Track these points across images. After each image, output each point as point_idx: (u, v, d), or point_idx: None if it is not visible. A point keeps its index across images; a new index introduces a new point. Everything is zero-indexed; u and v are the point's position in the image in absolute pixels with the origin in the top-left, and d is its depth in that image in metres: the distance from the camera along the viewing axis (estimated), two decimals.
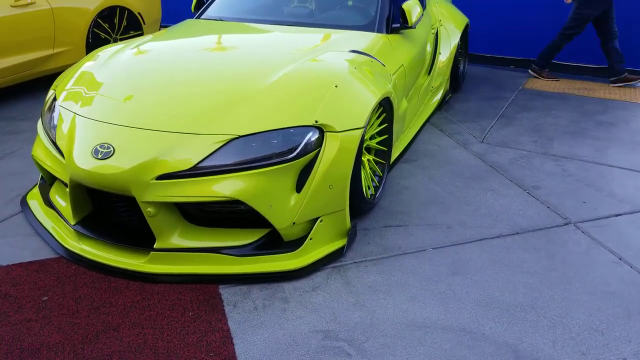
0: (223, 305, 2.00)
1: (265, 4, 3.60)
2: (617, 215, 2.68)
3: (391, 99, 2.71)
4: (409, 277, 2.19)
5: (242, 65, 2.61)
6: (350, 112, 2.31)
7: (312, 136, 2.19)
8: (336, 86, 2.37)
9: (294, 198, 2.19)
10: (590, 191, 2.94)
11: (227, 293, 2.06)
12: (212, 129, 2.15)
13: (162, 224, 2.17)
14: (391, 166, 3.16)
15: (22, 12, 4.41)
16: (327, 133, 2.22)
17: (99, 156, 2.12)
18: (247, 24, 3.31)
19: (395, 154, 3.20)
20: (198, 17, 3.58)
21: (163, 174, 2.06)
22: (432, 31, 4.03)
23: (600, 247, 2.41)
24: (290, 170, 2.16)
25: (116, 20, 5.27)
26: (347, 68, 2.53)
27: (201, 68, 2.60)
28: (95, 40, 5.08)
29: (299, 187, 2.20)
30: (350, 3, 3.50)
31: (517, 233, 2.53)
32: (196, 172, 2.07)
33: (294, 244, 2.27)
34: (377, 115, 2.69)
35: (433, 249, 2.40)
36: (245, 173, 2.08)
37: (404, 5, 3.23)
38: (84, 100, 2.38)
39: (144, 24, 5.58)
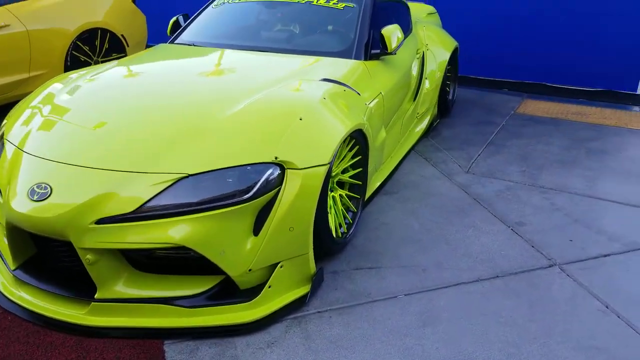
0: None
1: (242, 29, 3.50)
2: (605, 256, 2.51)
3: (364, 130, 2.57)
4: (375, 329, 2.02)
5: (203, 95, 2.48)
6: (314, 147, 2.17)
7: (272, 174, 2.04)
8: (301, 119, 2.23)
9: (250, 242, 2.03)
10: (578, 228, 2.78)
11: (172, 350, 1.90)
12: (159, 167, 2.00)
13: (104, 272, 2.01)
14: (369, 199, 3.02)
15: None
16: (288, 170, 2.08)
17: (35, 197, 1.97)
18: (220, 49, 3.20)
19: (373, 187, 3.06)
20: (172, 42, 3.48)
21: (103, 218, 1.91)
22: (418, 56, 3.92)
23: (586, 292, 2.24)
24: (246, 212, 2.01)
25: (97, 43, 5.20)
26: (316, 98, 2.40)
27: (159, 98, 2.47)
28: (74, 63, 4.98)
29: (256, 229, 2.05)
30: (330, 28, 3.39)
31: (497, 276, 2.36)
32: (139, 215, 1.91)
33: (251, 293, 2.11)
34: (348, 148, 2.56)
35: (405, 295, 2.23)
36: (195, 216, 1.93)
37: (384, 31, 3.12)
38: (28, 134, 2.25)
39: (128, 46, 5.49)
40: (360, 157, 2.67)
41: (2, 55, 4.36)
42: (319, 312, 2.13)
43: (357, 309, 2.14)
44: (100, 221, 1.90)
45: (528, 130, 4.32)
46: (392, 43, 3.13)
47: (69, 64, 4.93)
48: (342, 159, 2.57)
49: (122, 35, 5.40)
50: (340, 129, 2.32)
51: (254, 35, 3.39)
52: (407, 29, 4.03)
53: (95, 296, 2.03)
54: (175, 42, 3.46)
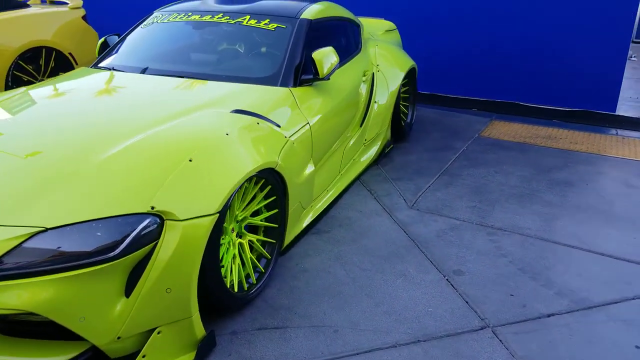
0: None
1: (165, 52, 3.22)
2: (548, 316, 2.24)
3: (277, 169, 2.32)
4: None
5: (86, 132, 2.20)
6: (201, 194, 1.90)
7: (147, 226, 1.78)
8: (190, 160, 1.97)
9: (121, 304, 1.76)
10: (523, 279, 2.51)
11: None
12: (15, 219, 1.73)
13: None
14: (294, 241, 2.75)
15: None
16: (167, 222, 1.82)
17: None
18: (134, 75, 2.92)
19: (299, 227, 2.79)
20: (94, 65, 3.22)
21: None
22: (365, 77, 3.68)
23: None
24: (114, 271, 1.73)
25: (42, 62, 4.93)
26: (215, 135, 2.15)
27: (34, 135, 2.19)
28: (17, 84, 4.73)
29: (128, 290, 1.79)
30: (258, 51, 3.14)
31: (418, 341, 2.09)
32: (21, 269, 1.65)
33: None
34: (257, 188, 2.30)
35: None
36: (48, 278, 1.66)
37: (314, 55, 2.88)
38: None
39: (77, 64, 5.23)
40: (274, 197, 2.41)
41: None
42: None
43: None
44: None
45: (489, 157, 4.08)
46: (324, 68, 2.89)
47: (10, 84, 4.68)
48: (250, 200, 2.31)
49: (70, 54, 5.14)
50: (241, 170, 2.06)
51: (176, 59, 3.12)
52: (354, 48, 3.80)
53: None
54: (98, 65, 3.20)
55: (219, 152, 2.07)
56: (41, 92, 2.73)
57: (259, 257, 2.42)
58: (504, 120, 5.10)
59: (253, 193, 2.28)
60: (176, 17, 3.33)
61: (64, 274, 1.67)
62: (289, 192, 2.50)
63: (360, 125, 3.64)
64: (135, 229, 1.76)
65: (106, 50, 3.40)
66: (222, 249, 2.14)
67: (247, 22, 3.19)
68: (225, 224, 2.14)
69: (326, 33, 3.55)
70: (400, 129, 4.28)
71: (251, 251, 2.38)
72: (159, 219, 1.81)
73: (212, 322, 2.15)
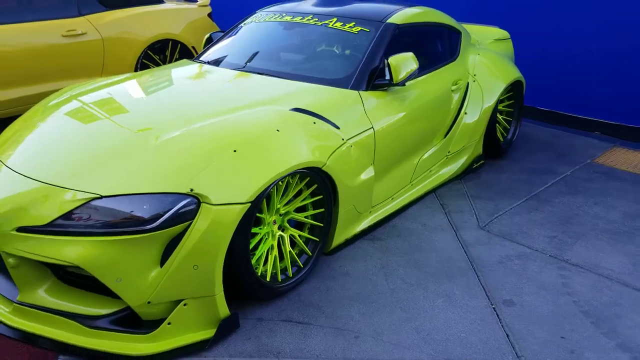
0: None
1: (253, 51, 3.38)
2: None
3: (324, 168, 2.38)
4: None
5: (158, 116, 2.46)
6: (237, 183, 2.04)
7: (185, 206, 1.97)
8: (235, 150, 2.12)
9: (154, 272, 1.97)
10: (583, 322, 2.25)
11: None
12: (78, 184, 2.04)
13: (26, 277, 2.10)
14: (345, 243, 2.78)
15: (73, 42, 4.87)
16: (203, 204, 1.99)
17: None
18: (218, 69, 3.17)
19: (350, 231, 2.80)
20: (195, 59, 3.57)
21: (22, 227, 2.00)
22: (457, 87, 3.55)
23: None
24: (151, 242, 1.95)
25: (168, 53, 5.59)
26: (265, 129, 2.28)
27: (118, 116, 2.50)
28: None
29: (163, 261, 1.99)
30: (338, 53, 3.22)
31: None
32: (50, 229, 1.95)
33: (153, 325, 2.05)
34: (302, 185, 2.38)
35: None
36: (96, 239, 1.92)
37: (391, 59, 2.87)
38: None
39: None
40: (321, 196, 2.48)
41: (78, 60, 4.88)
42: (215, 359, 1.99)
43: None
44: (20, 229, 1.99)
45: (594, 186, 3.66)
46: (400, 73, 2.87)
47: (138, 70, 5.37)
48: (295, 196, 2.40)
49: (193, 47, 5.74)
50: (280, 166, 2.16)
51: (262, 57, 3.30)
52: (448, 56, 3.69)
53: (17, 298, 2.13)
54: (198, 58, 3.54)
55: (263, 146, 2.20)
56: (144, 78, 3.11)
57: (301, 252, 2.51)
58: (630, 147, 4.53)
59: (297, 189, 2.38)
60: (272, 17, 3.55)
61: (109, 237, 1.92)
62: (339, 193, 2.55)
63: (445, 136, 3.53)
64: (174, 207, 1.95)
65: (209, 45, 3.74)
66: (257, 239, 2.26)
67: (332, 25, 3.28)
68: (263, 215, 2.26)
69: (415, 38, 3.51)
70: (495, 145, 4.04)
71: (293, 246, 2.48)
72: (197, 201, 1.98)
73: (242, 306, 2.28)
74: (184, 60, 3.54)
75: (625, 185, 3.69)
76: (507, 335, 2.16)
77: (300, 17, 3.40)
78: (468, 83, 3.74)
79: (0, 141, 2.51)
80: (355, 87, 2.87)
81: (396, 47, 3.19)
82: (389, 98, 2.98)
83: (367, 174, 2.77)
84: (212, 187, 2.01)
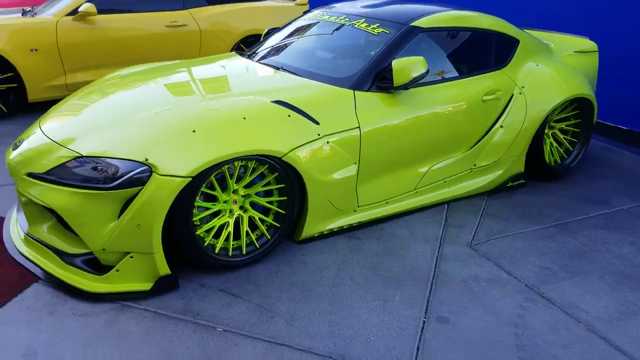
0: (18, 294, 2.39)
1: (286, 47, 3.61)
2: None
3: (284, 159, 2.56)
4: (162, 343, 2.12)
5: (163, 97, 2.89)
6: (183, 158, 2.35)
7: (139, 173, 2.34)
8: (194, 131, 2.44)
9: (111, 224, 2.38)
10: (510, 357, 2.10)
11: (33, 288, 2.44)
12: (72, 144, 2.53)
13: (34, 214, 2.68)
14: (324, 236, 2.92)
15: (174, 31, 5.65)
16: (153, 174, 2.34)
17: (12, 147, 2.77)
18: (248, 62, 3.47)
19: (323, 226, 2.92)
20: (245, 52, 3.95)
21: (30, 172, 2.56)
22: (491, 97, 3.40)
23: None
24: (110, 199, 2.36)
25: None
26: (230, 115, 2.56)
27: (143, 95, 2.96)
28: None
29: (120, 216, 2.40)
30: (353, 53, 3.32)
31: (329, 357, 2.07)
32: (44, 177, 2.48)
33: (107, 270, 2.47)
34: (261, 171, 2.60)
35: (224, 330, 2.21)
36: (70, 189, 2.39)
37: (394, 62, 2.93)
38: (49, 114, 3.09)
39: None
40: (284, 185, 2.66)
41: (177, 48, 5.66)
42: (147, 309, 2.33)
43: (166, 321, 2.25)
44: (29, 174, 2.56)
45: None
46: (402, 77, 2.91)
47: None
48: (252, 181, 2.64)
49: None
50: (227, 149, 2.40)
51: (287, 53, 3.51)
52: (491, 64, 3.54)
53: (27, 230, 2.73)
54: (244, 52, 3.91)
55: (222, 130, 2.47)
56: (185, 66, 3.58)
57: (262, 235, 2.72)
58: None
59: (256, 174, 2.60)
60: (316, 16, 3.77)
61: (79, 189, 2.36)
62: (306, 186, 2.71)
63: (470, 148, 3.41)
64: (130, 172, 2.34)
65: (261, 40, 4.09)
66: (207, 213, 2.53)
67: (358, 25, 3.41)
68: (216, 193, 2.53)
69: (448, 43, 3.45)
70: (544, 166, 3.75)
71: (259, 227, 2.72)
72: (150, 170, 2.34)
73: (195, 273, 2.59)
74: (232, 52, 3.95)
75: None
76: (417, 349, 2.14)
77: (336, 17, 3.59)
78: (513, 95, 3.55)
79: (50, 110, 3.16)
80: (356, 87, 2.98)
81: (420, 50, 3.22)
82: (393, 101, 3.03)
83: (347, 172, 2.87)
84: (163, 159, 2.35)
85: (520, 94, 3.57)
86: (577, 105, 3.87)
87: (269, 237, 2.74)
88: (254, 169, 2.60)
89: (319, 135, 2.74)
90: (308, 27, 3.75)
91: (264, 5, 6.22)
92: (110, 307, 2.34)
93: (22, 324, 2.21)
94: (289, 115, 2.70)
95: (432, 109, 3.17)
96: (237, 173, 2.56)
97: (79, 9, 5.10)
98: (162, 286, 2.45)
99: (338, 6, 3.90)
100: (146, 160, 2.35)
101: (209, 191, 2.52)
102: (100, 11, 5.27)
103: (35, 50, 4.98)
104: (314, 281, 2.57)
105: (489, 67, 3.55)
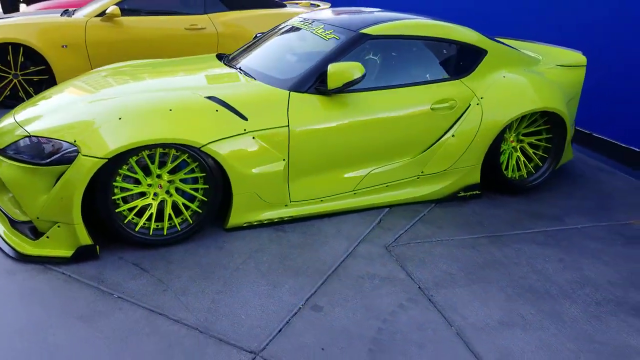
0: None
1: (254, 51, 3.82)
2: None
3: (203, 149, 2.81)
4: (61, 302, 2.44)
5: (116, 88, 3.26)
6: (103, 142, 2.67)
7: (68, 152, 2.69)
8: (120, 118, 2.76)
9: (44, 196, 2.74)
10: (360, 348, 2.19)
11: None
12: (27, 125, 2.92)
13: (1, 184, 3.13)
14: (254, 226, 3.13)
15: (193, 33, 6.11)
16: (78, 154, 2.68)
17: None
18: (216, 63, 3.79)
19: (253, 216, 3.12)
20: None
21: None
22: (442, 106, 3.45)
23: None
24: (44, 173, 2.72)
25: None
26: (157, 106, 2.87)
27: (99, 87, 3.35)
28: None
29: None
30: (303, 57, 3.49)
31: (196, 329, 2.28)
32: (4, 153, 2.91)
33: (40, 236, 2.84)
34: (183, 157, 2.85)
35: (118, 296, 2.49)
36: (15, 163, 2.78)
37: (329, 67, 3.11)
38: None
39: None
40: (204, 174, 2.91)
41: (195, 49, 6.10)
42: (63, 273, 2.66)
43: (76, 284, 2.57)
44: None
45: (589, 246, 3.11)
46: (335, 81, 3.08)
47: None
48: (179, 168, 2.91)
49: None
50: (144, 136, 2.69)
51: (254, 56, 3.73)
52: (451, 73, 3.58)
53: None
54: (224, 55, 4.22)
55: (143, 119, 2.77)
56: (161, 63, 3.94)
57: (191, 216, 2.99)
58: None
59: (176, 162, 2.87)
60: (293, 21, 3.99)
61: (23, 164, 2.75)
62: (229, 176, 2.94)
63: (416, 156, 3.48)
64: (61, 152, 2.70)
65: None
66: (128, 193, 2.82)
67: (315, 31, 3.60)
68: (137, 176, 2.83)
69: (398, 51, 3.56)
70: (504, 180, 3.72)
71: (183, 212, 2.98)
72: (77, 150, 2.68)
73: (119, 247, 2.89)
74: (212, 54, 4.27)
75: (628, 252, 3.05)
76: (279, 331, 2.30)
77: (304, 23, 3.80)
78: (470, 105, 3.57)
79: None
80: (294, 88, 3.17)
81: (367, 57, 3.36)
82: (330, 104, 3.19)
83: (274, 167, 3.07)
84: (88, 141, 2.68)
85: (477, 104, 3.58)
86: (547, 119, 3.80)
87: (190, 222, 2.99)
88: (175, 157, 2.88)
89: (244, 130, 2.97)
90: (279, 32, 3.99)
91: (281, 11, 6.54)
92: (33, 267, 2.70)
93: None
94: (217, 110, 2.95)
95: (372, 114, 3.29)
96: (157, 159, 2.85)
97: (107, 11, 5.69)
98: (82, 254, 2.78)
99: (320, 12, 4.09)
100: (74, 141, 2.69)
101: (130, 174, 2.83)
102: (126, 12, 5.83)
103: (65, 46, 5.60)
104: (221, 264, 2.79)
105: (444, 76, 3.59)
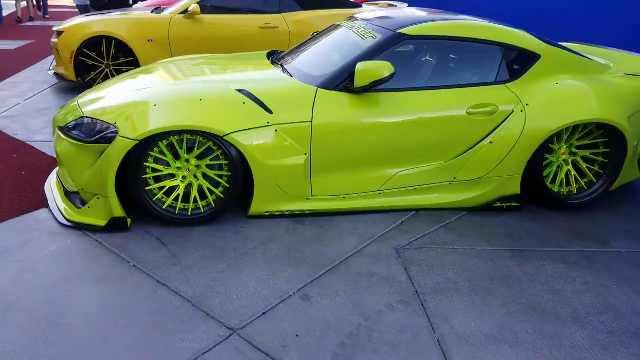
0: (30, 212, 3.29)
1: (303, 50, 4.00)
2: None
3: (226, 138, 3.00)
4: (85, 262, 2.76)
5: (163, 79, 3.58)
6: (137, 125, 2.96)
7: (110, 132, 3.03)
8: (155, 105, 3.04)
9: (89, 171, 3.11)
10: (329, 337, 2.24)
11: (43, 210, 3.32)
12: (85, 107, 3.32)
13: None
14: (276, 216, 3.28)
15: (267, 31, 6.41)
16: (117, 134, 3.00)
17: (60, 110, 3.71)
18: (262, 59, 4.01)
19: (274, 207, 3.28)
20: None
21: (59, 126, 3.43)
22: (480, 111, 3.35)
23: None
24: (91, 151, 3.09)
25: None
26: (190, 95, 3.12)
27: (151, 76, 3.69)
28: None
29: None
30: (347, 55, 3.55)
31: (190, 302, 2.47)
32: (62, 129, 3.33)
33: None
34: (207, 146, 3.07)
35: (134, 265, 2.76)
36: (71, 140, 3.18)
37: (359, 65, 3.18)
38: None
39: None
40: (227, 162, 3.10)
41: (267, 46, 6.41)
42: (95, 240, 3.00)
43: (102, 250, 2.88)
44: (59, 128, 3.43)
45: (625, 272, 2.86)
46: (359, 80, 3.13)
47: None
48: (204, 154, 3.13)
49: None
50: (172, 122, 2.95)
51: (295, 55, 3.90)
52: (497, 76, 3.47)
53: (57, 171, 3.65)
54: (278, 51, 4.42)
55: (175, 107, 3.03)
56: (213, 59, 4.23)
57: (215, 201, 3.20)
58: None
59: (203, 148, 3.08)
60: (344, 22, 4.10)
61: (75, 141, 3.13)
62: (251, 166, 3.11)
63: (453, 159, 3.41)
64: (104, 132, 3.04)
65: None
66: (157, 173, 3.09)
67: (357, 30, 3.65)
68: (167, 159, 3.08)
69: (438, 52, 3.50)
70: (548, 194, 3.51)
71: (207, 195, 3.21)
72: (117, 131, 3.01)
73: (151, 223, 3.18)
74: (264, 52, 4.47)
75: None
76: (263, 313, 2.41)
77: (351, 23, 3.89)
78: (513, 111, 3.42)
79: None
80: (324, 85, 3.27)
81: (405, 57, 3.36)
82: (359, 102, 3.24)
83: (295, 160, 3.19)
84: (125, 124, 3.00)
85: (521, 111, 3.42)
86: (605, 132, 3.53)
87: (214, 206, 3.21)
88: (201, 143, 3.10)
89: (268, 123, 3.12)
90: (329, 32, 4.10)
91: (354, 11, 6.63)
92: (74, 232, 3.07)
93: (12, 231, 3.06)
94: (244, 103, 3.14)
95: (402, 115, 3.28)
96: (185, 145, 3.09)
97: (189, 9, 6.17)
98: (114, 225, 3.10)
99: (370, 12, 4.15)
100: (115, 123, 3.02)
101: (161, 157, 3.10)
102: (206, 10, 6.28)
103: (151, 40, 6.17)
104: (232, 248, 2.97)
105: (487, 80, 3.47)
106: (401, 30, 3.42)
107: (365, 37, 3.52)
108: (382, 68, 3.12)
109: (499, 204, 3.55)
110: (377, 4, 7.54)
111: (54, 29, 6.31)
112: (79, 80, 6.19)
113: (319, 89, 3.26)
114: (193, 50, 6.20)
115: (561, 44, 4.51)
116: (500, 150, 3.41)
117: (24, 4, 13.58)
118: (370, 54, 3.34)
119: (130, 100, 3.17)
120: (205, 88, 3.24)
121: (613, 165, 3.60)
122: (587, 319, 2.48)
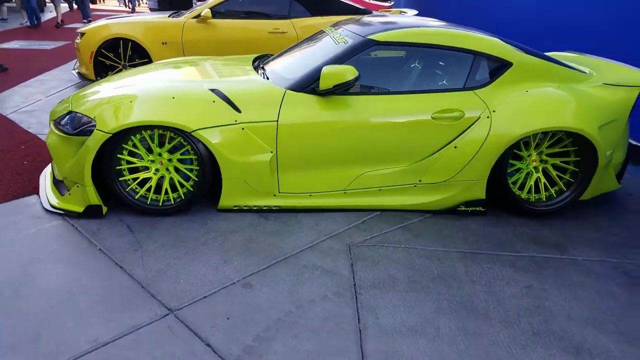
0: (22, 197, 3.60)
1: (283, 56, 4.18)
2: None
3: (193, 134, 3.21)
4: (58, 244, 3.03)
5: (144, 78, 3.82)
6: (111, 119, 3.22)
7: (90, 126, 3.30)
8: (131, 101, 3.30)
9: (71, 161, 3.39)
10: (271, 324, 2.39)
11: (31, 198, 3.63)
12: (74, 102, 3.62)
13: None
14: (244, 211, 3.47)
15: (276, 36, 6.64)
16: (95, 127, 3.26)
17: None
18: (243, 60, 4.20)
19: (242, 201, 3.46)
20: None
21: (54, 119, 3.75)
22: (446, 116, 3.43)
23: None
24: (72, 142, 3.37)
25: None
26: (164, 92, 3.36)
27: (138, 75, 3.96)
28: None
29: None
30: (314, 60, 3.70)
31: (140, 284, 2.68)
32: (54, 123, 3.63)
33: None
34: (177, 141, 3.29)
35: (99, 248, 3.00)
36: (58, 133, 3.48)
37: (324, 68, 3.33)
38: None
39: None
40: (195, 156, 3.31)
41: (275, 49, 6.63)
42: (72, 225, 3.27)
43: (75, 234, 3.14)
44: (54, 120, 3.74)
45: (584, 282, 2.88)
46: (323, 83, 3.28)
47: None
48: (176, 149, 3.35)
49: None
50: (143, 118, 3.18)
51: (276, 59, 4.10)
52: (466, 82, 3.54)
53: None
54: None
55: (148, 103, 3.27)
56: (201, 62, 4.47)
57: (184, 193, 3.42)
58: None
59: (173, 143, 3.31)
60: (326, 28, 4.26)
61: (61, 133, 3.43)
62: (218, 161, 3.31)
63: (415, 162, 3.50)
64: (84, 125, 3.31)
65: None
66: (131, 165, 3.33)
67: (333, 36, 3.81)
68: (139, 151, 3.32)
69: (409, 58, 3.59)
70: (512, 200, 3.55)
71: (178, 188, 3.43)
72: (95, 125, 3.27)
73: (125, 211, 3.43)
74: (252, 55, 4.68)
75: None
76: (203, 297, 2.59)
77: (333, 29, 4.04)
78: (479, 117, 3.48)
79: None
80: (293, 87, 3.44)
81: (373, 62, 3.50)
82: (325, 104, 3.39)
83: (261, 157, 3.37)
84: (103, 118, 3.26)
85: (487, 117, 3.48)
86: (574, 140, 3.54)
87: (183, 198, 3.42)
88: (172, 139, 3.32)
89: (235, 121, 3.32)
90: (313, 37, 4.27)
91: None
92: (56, 217, 3.35)
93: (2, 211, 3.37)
94: (214, 101, 3.35)
95: (366, 117, 3.41)
96: (157, 139, 3.32)
97: (201, 14, 6.48)
98: (90, 212, 3.37)
99: (352, 20, 4.30)
100: (94, 117, 3.29)
101: (134, 150, 3.34)
102: (219, 15, 6.57)
103: (165, 43, 6.51)
104: (194, 237, 3.17)
105: (455, 86, 3.55)
106: (371, 37, 3.55)
107: (339, 42, 3.67)
108: (346, 72, 3.27)
109: (463, 208, 3.62)
110: (389, 11, 7.64)
111: (78, 30, 6.75)
112: (98, 79, 6.59)
113: (287, 91, 3.43)
114: (204, 52, 6.50)
115: (552, 53, 4.52)
116: (464, 155, 3.49)
117: (65, 6, 14.37)
118: (339, 59, 3.49)
119: (110, 96, 3.44)
120: (179, 87, 3.47)
121: (583, 174, 3.60)
122: (515, 320, 2.54)
